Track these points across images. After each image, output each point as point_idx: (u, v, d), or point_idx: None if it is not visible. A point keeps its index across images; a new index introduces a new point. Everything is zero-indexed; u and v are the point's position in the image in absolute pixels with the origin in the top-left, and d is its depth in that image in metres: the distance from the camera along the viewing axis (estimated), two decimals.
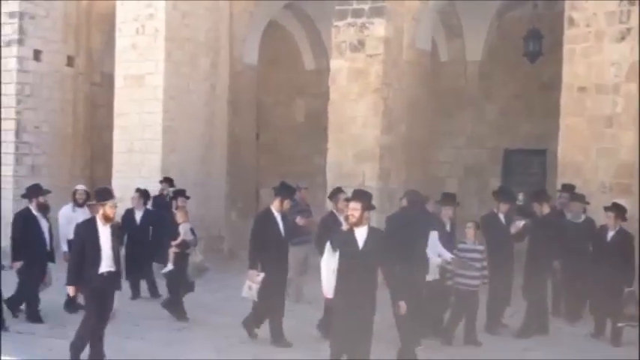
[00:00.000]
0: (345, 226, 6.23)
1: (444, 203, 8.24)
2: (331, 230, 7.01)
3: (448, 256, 7.49)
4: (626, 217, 8.15)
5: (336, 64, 11.76)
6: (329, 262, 5.82)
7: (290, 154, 16.48)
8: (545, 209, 8.25)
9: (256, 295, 7.39)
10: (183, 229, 8.68)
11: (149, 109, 12.96)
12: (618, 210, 8.06)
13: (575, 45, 9.77)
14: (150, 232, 10.12)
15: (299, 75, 16.55)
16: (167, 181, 11.90)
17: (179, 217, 8.79)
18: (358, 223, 5.71)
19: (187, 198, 9.72)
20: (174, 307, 8.60)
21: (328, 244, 5.90)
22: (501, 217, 8.18)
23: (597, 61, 9.64)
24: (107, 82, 14.69)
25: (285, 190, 7.73)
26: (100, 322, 6.37)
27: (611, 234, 7.93)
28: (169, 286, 8.77)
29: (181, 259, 8.58)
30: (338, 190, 8.67)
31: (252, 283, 7.41)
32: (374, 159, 11.51)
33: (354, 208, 5.72)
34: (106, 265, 6.35)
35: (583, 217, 8.81)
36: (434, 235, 7.29)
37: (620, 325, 7.66)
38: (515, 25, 13.94)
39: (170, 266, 8.62)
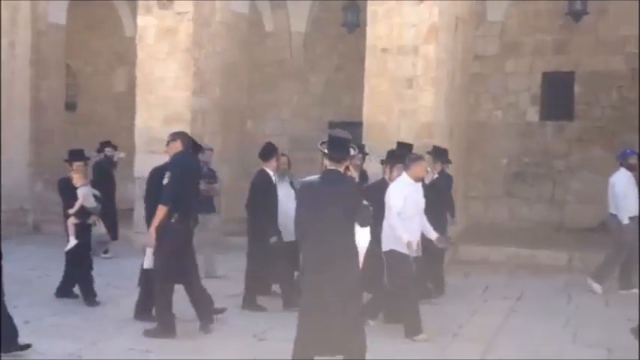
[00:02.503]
0: None
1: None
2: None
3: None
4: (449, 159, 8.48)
5: (143, 21, 11.09)
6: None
7: (111, 125, 15.50)
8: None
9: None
10: (82, 194, 7.35)
11: None
12: (436, 153, 8.31)
13: (377, 7, 9.80)
14: None
15: (120, 42, 15.60)
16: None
17: (76, 179, 7.37)
18: None
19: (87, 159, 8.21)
20: (86, 288, 7.28)
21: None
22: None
23: (398, 22, 9.74)
24: None
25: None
26: None
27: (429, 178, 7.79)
28: (73, 264, 7.35)
29: (84, 230, 7.33)
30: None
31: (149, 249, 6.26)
32: (185, 123, 10.96)
33: None
34: None
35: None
36: None
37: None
38: None
39: (73, 241, 7.30)
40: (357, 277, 4.58)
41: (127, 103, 15.56)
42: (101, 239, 7.73)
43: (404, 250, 6.14)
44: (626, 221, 8.23)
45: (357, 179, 5.08)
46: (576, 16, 12.23)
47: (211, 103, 11.43)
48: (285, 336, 5.15)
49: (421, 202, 6.50)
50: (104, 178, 10.22)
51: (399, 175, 6.58)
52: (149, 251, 6.24)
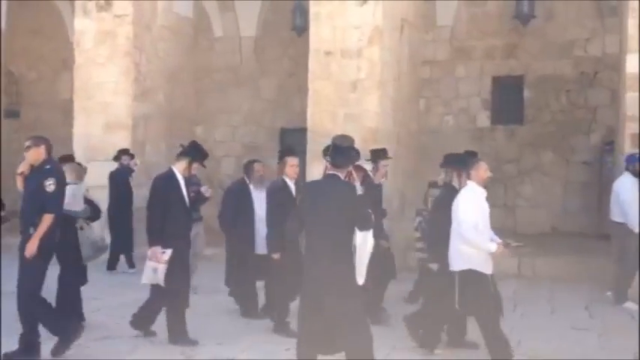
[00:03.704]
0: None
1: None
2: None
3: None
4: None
5: (80, 24, 10.74)
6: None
7: (56, 132, 14.95)
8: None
9: (163, 280, 5.86)
10: (72, 192, 6.37)
11: None
12: (375, 155, 7.64)
13: (320, 8, 9.60)
14: None
15: (64, 46, 15.08)
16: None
17: (68, 174, 6.44)
18: None
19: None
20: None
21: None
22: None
23: (341, 24, 9.55)
24: None
25: (196, 151, 6.32)
26: None
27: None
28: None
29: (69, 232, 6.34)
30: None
31: (157, 263, 5.86)
32: (126, 129, 10.62)
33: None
34: None
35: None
36: None
37: None
38: None
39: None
40: (355, 278, 4.55)
41: (72, 110, 15.20)
42: (96, 245, 6.61)
43: (481, 268, 5.45)
44: (637, 229, 7.71)
45: (358, 184, 4.81)
46: (524, 19, 12.20)
47: (155, 108, 11.09)
48: None
49: (488, 210, 5.70)
50: (121, 187, 9.72)
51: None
52: (151, 265, 5.89)
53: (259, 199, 7.11)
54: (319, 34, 9.65)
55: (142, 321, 6.18)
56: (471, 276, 5.45)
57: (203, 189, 6.76)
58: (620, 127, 8.81)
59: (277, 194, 6.46)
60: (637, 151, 8.20)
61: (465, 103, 13.17)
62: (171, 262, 5.85)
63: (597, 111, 12.19)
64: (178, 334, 5.97)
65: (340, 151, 4.68)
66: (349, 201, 4.55)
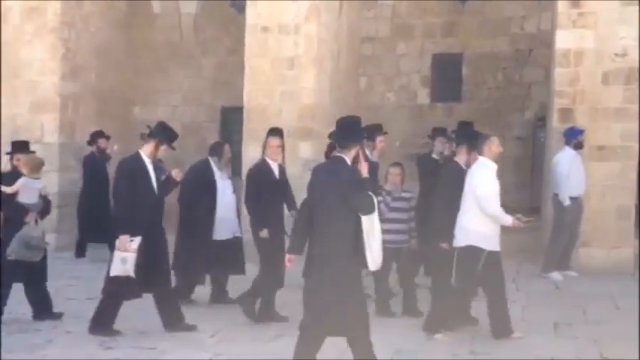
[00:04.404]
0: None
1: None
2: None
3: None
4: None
5: None
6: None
7: None
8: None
9: (133, 270, 5.58)
10: (23, 184, 6.14)
11: None
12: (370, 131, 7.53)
13: None
14: None
15: None
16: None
17: (22, 167, 6.25)
18: None
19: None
20: None
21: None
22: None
23: (278, 0, 9.40)
24: None
25: (165, 133, 5.92)
26: None
27: None
28: None
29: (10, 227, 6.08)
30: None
31: (125, 253, 5.57)
32: (54, 110, 10.27)
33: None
34: None
35: None
36: None
37: None
38: None
39: None
40: (353, 264, 4.40)
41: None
42: (32, 242, 6.14)
43: (480, 244, 5.54)
44: (567, 202, 7.96)
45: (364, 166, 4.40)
46: None
47: (85, 87, 10.78)
48: None
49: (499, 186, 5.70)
50: (96, 175, 9.21)
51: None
52: (119, 255, 5.58)
53: (223, 183, 6.94)
54: (256, 9, 9.52)
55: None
56: (469, 252, 5.53)
57: (174, 172, 6.29)
58: (550, 103, 8.96)
59: (256, 177, 6.32)
60: (575, 125, 8.35)
61: (405, 80, 13.22)
62: (141, 251, 5.56)
63: (532, 87, 12.42)
64: (100, 324, 5.74)
65: (342, 129, 4.51)
66: (344, 184, 4.36)
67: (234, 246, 6.94)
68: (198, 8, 14.18)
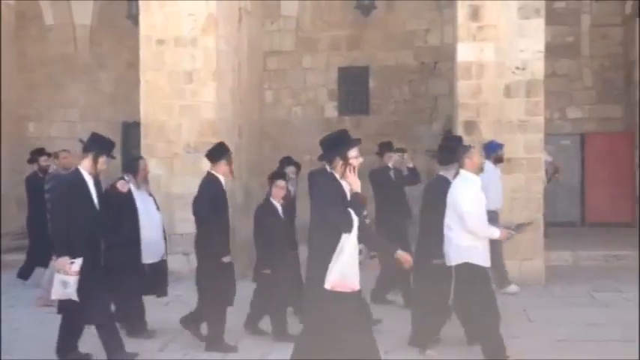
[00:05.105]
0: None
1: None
2: None
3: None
4: None
5: None
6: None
7: None
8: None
9: (75, 294, 5.20)
10: None
11: None
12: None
13: None
14: None
15: None
16: None
17: None
18: None
19: None
20: None
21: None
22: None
23: (173, 12, 8.98)
24: None
25: (100, 144, 5.49)
26: None
27: None
28: None
29: None
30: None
31: (66, 276, 5.20)
32: None
33: None
34: None
35: None
36: None
37: None
38: None
39: None
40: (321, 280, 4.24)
41: None
42: None
43: (478, 261, 5.25)
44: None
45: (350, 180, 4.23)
46: (365, 10, 12.25)
47: None
48: None
49: (484, 199, 5.45)
50: (41, 196, 8.38)
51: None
52: (60, 278, 5.23)
53: (144, 201, 6.40)
54: (150, 21, 9.02)
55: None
56: (468, 270, 5.23)
57: (119, 184, 6.00)
58: (455, 115, 8.95)
59: (263, 218, 6.34)
60: (493, 138, 8.24)
61: (312, 94, 13.05)
62: (83, 274, 5.22)
63: (438, 100, 12.52)
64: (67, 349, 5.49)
65: (328, 143, 4.37)
66: (315, 199, 4.36)
67: (160, 269, 6.49)
68: (93, 20, 13.52)
